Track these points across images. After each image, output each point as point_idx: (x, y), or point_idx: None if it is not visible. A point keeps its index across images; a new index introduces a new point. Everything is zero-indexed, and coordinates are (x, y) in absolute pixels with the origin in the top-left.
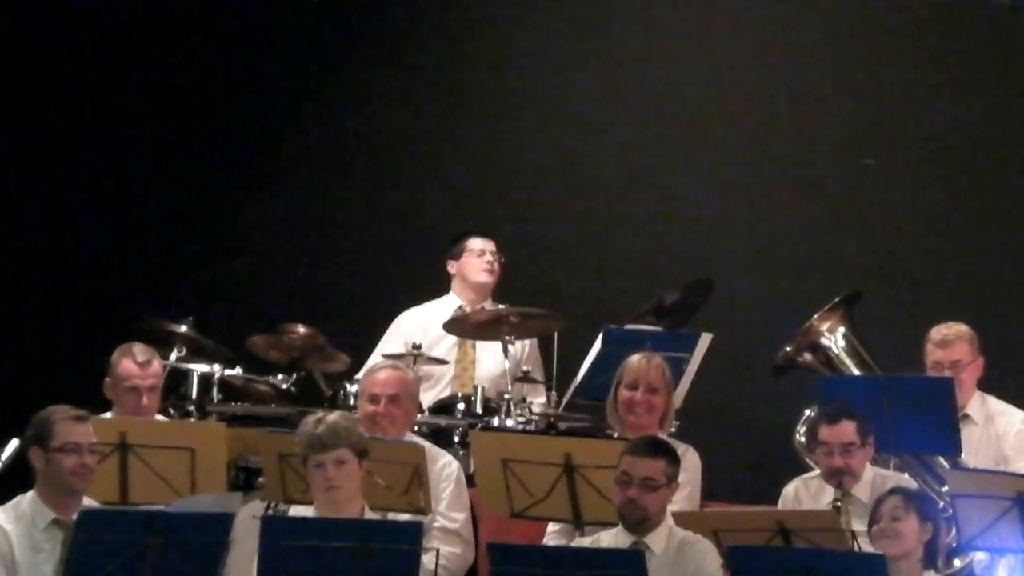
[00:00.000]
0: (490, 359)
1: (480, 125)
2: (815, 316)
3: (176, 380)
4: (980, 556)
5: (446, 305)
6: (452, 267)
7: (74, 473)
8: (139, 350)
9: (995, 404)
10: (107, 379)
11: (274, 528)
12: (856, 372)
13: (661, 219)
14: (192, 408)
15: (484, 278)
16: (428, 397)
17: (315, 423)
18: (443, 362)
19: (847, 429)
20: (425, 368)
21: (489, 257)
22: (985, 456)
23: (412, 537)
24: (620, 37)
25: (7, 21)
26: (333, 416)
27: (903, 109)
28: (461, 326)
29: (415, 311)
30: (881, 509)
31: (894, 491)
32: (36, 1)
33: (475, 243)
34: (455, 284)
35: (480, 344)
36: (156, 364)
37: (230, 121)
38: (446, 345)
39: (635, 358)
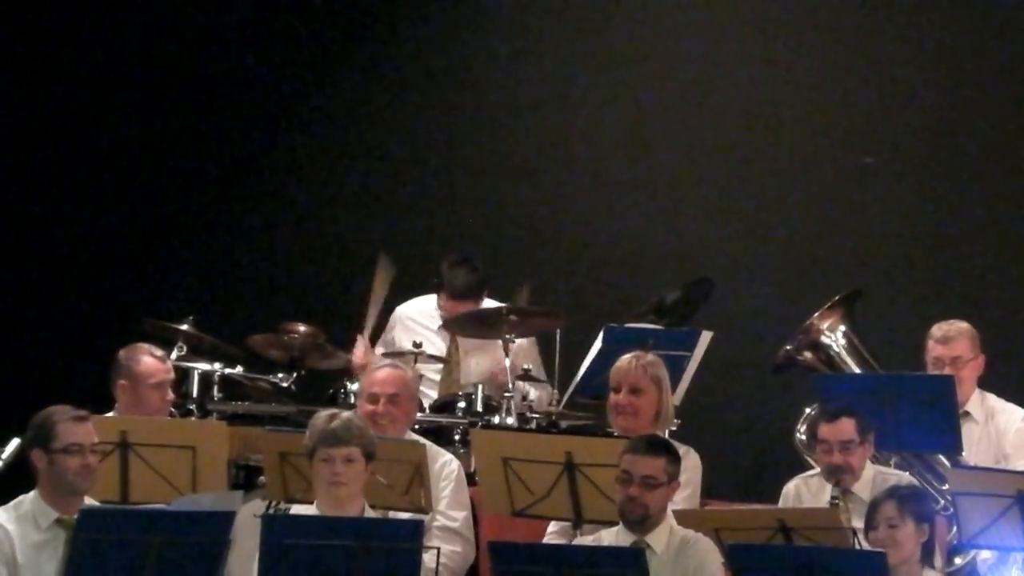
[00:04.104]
0: (475, 360)
1: (480, 125)
2: (815, 315)
3: (177, 379)
4: (986, 555)
5: (433, 305)
6: (437, 286)
7: (78, 474)
8: (151, 347)
9: (995, 402)
10: (122, 381)
11: (275, 526)
12: (857, 370)
13: (661, 219)
14: (193, 407)
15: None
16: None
17: (329, 418)
18: (445, 360)
19: (846, 427)
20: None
21: (446, 314)
22: (985, 454)
23: (413, 535)
24: (620, 37)
25: (8, 21)
26: (348, 413)
27: (903, 107)
28: (461, 324)
29: (404, 309)
30: (877, 517)
31: (889, 496)
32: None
33: (443, 300)
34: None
35: (464, 345)
36: (168, 359)
37: (230, 121)
38: (433, 347)
39: (622, 359)
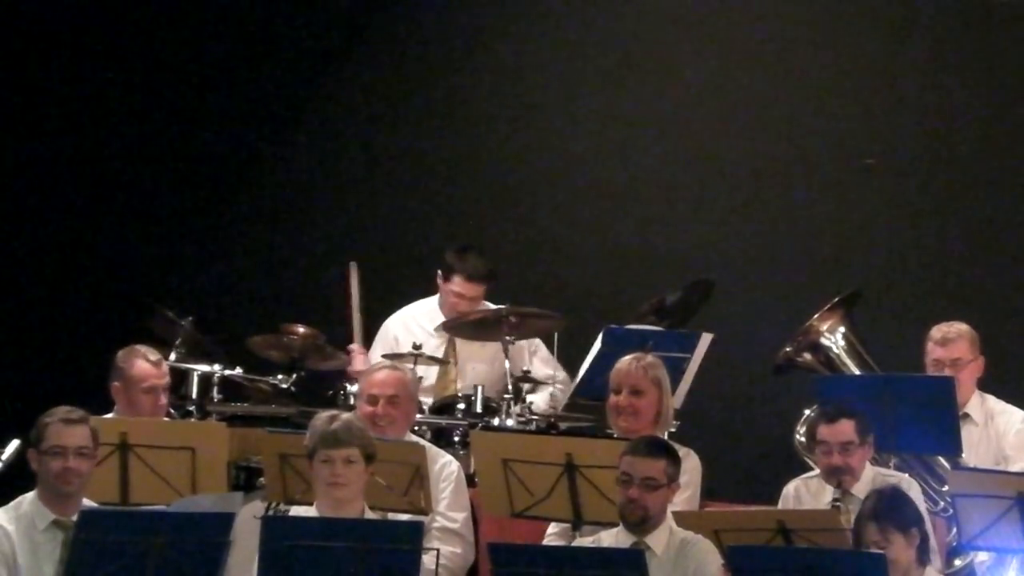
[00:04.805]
0: (473, 363)
1: (481, 126)
2: (815, 316)
3: (176, 380)
4: (983, 556)
5: (430, 309)
6: (439, 280)
7: (59, 476)
8: (148, 350)
9: (995, 403)
10: (115, 383)
11: (275, 528)
12: (856, 372)
13: (661, 219)
14: (192, 408)
15: (452, 315)
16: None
17: (329, 419)
18: (444, 361)
19: (846, 428)
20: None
21: (463, 305)
22: (985, 455)
23: (412, 537)
24: (620, 38)
25: (10, 22)
26: (348, 415)
27: (903, 109)
28: (460, 326)
29: (399, 315)
30: (864, 540)
31: (869, 518)
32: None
33: (457, 285)
34: (440, 296)
35: (464, 350)
36: (164, 364)
37: (231, 122)
38: (431, 349)
39: (623, 360)
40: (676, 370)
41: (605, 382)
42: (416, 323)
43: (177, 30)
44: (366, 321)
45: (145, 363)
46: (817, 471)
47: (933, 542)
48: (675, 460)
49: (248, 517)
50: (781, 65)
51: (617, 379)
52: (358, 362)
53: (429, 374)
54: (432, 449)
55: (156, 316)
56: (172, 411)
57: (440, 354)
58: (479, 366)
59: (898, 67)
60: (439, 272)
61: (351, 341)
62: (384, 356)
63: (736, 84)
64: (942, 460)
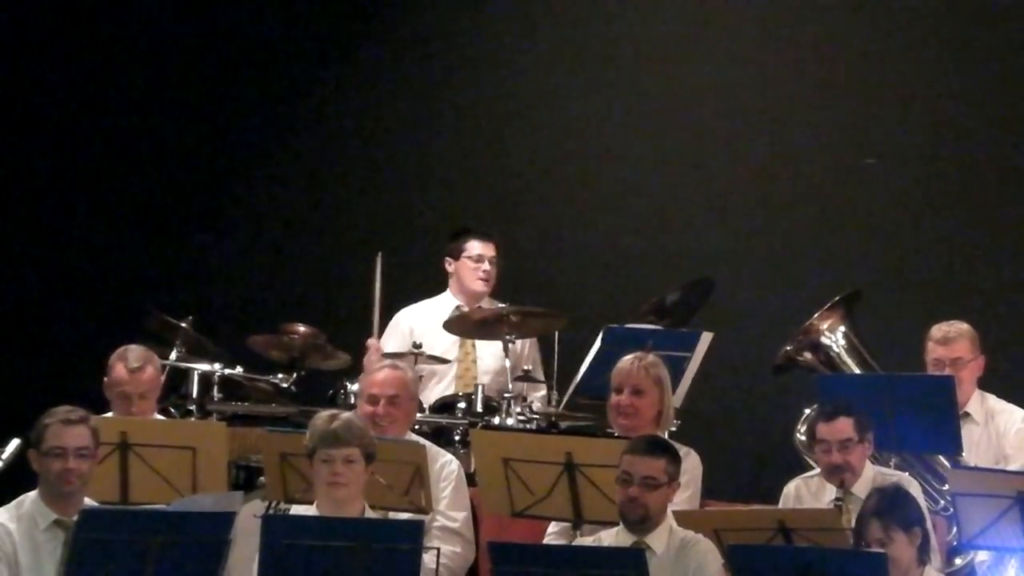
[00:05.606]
0: (491, 356)
1: (481, 125)
2: (815, 315)
3: (177, 379)
4: (983, 556)
5: (443, 304)
6: (450, 266)
7: (59, 476)
8: (134, 355)
9: (995, 403)
10: (105, 379)
11: (275, 527)
12: (857, 371)
13: (661, 219)
14: (193, 407)
15: (480, 287)
16: (432, 395)
17: (330, 418)
18: (444, 361)
19: (844, 426)
20: (427, 367)
21: (487, 266)
22: (985, 455)
23: (413, 536)
24: (620, 37)
25: (10, 19)
26: (348, 414)
27: (903, 109)
28: (461, 325)
29: (411, 309)
30: (867, 537)
31: (871, 515)
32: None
33: (474, 247)
34: (452, 283)
35: (480, 342)
36: (150, 370)
37: (230, 120)
38: (445, 343)
39: (624, 360)
40: (676, 369)
41: (605, 382)
42: (428, 321)
43: (178, 24)
44: (383, 316)
45: (123, 369)
46: (818, 470)
47: (933, 541)
48: (675, 459)
49: (248, 516)
50: (781, 64)
51: (618, 379)
52: (373, 357)
53: (447, 370)
54: (432, 448)
55: (153, 317)
56: (172, 410)
57: (458, 347)
58: (497, 356)
59: (898, 66)
60: (447, 260)
61: (372, 334)
62: (385, 355)
63: (736, 84)
64: (942, 459)
